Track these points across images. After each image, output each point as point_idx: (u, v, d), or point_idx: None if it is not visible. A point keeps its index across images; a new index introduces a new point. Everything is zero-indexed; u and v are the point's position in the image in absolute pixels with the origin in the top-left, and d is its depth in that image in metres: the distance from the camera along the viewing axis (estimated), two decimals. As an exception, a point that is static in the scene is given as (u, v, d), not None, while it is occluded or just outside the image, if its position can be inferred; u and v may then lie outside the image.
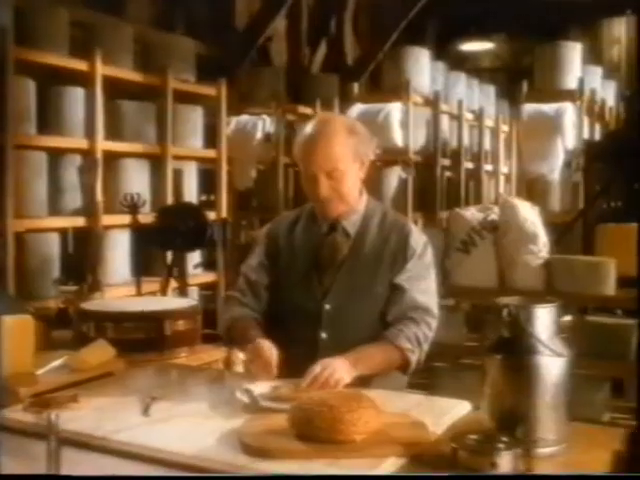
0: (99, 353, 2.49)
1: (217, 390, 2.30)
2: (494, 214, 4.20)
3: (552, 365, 1.83)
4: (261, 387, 2.19)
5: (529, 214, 4.11)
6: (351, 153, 2.39)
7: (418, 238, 2.48)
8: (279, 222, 2.65)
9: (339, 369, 2.17)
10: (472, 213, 4.22)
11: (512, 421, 1.83)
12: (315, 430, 1.75)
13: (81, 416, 2.03)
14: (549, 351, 1.83)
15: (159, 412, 2.06)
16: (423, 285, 2.46)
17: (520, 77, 9.56)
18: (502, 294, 4.28)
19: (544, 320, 1.85)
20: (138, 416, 2.03)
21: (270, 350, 2.25)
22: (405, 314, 2.42)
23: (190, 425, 1.97)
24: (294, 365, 2.25)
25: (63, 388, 2.27)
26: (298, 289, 2.48)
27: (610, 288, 3.89)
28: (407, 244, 2.45)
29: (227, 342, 2.68)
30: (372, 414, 1.80)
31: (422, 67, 6.66)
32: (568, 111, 6.21)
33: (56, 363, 2.41)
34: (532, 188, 6.33)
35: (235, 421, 1.95)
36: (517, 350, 1.84)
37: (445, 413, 2.06)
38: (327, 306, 2.42)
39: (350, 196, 2.45)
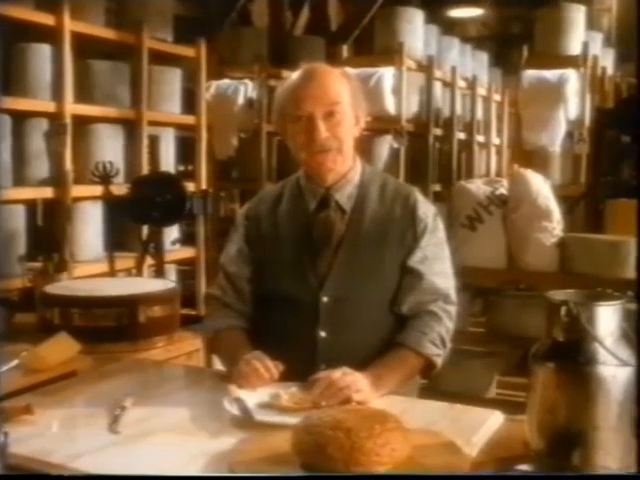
0: (60, 349, 2.13)
1: (201, 396, 1.94)
2: (503, 187, 3.85)
3: (618, 376, 1.48)
4: (255, 394, 1.83)
5: (542, 187, 3.76)
6: (348, 96, 2.06)
7: (427, 209, 2.14)
8: (259, 200, 2.26)
9: (362, 381, 1.81)
10: (478, 186, 3.86)
11: (567, 443, 1.49)
12: (327, 460, 1.39)
13: (35, 434, 1.66)
14: (615, 359, 1.48)
15: (130, 427, 1.70)
16: (440, 266, 2.12)
17: (510, 45, 9.25)
18: (511, 275, 4.05)
19: (610, 321, 1.50)
20: (104, 433, 1.67)
21: (262, 362, 1.91)
22: (424, 305, 2.07)
23: (168, 446, 1.61)
24: (289, 372, 1.91)
25: (17, 394, 1.90)
26: (288, 279, 2.09)
27: (631, 270, 3.54)
28: (415, 217, 2.09)
29: (211, 353, 2.32)
30: (399, 439, 1.43)
31: (416, 29, 6.27)
32: (571, 78, 5.86)
33: (10, 364, 2.03)
34: (530, 160, 5.98)
35: (224, 440, 1.60)
36: (576, 357, 1.49)
37: (477, 427, 1.71)
38: (325, 298, 2.04)
39: (348, 152, 2.09)
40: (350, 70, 5.36)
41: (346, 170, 2.12)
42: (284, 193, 2.20)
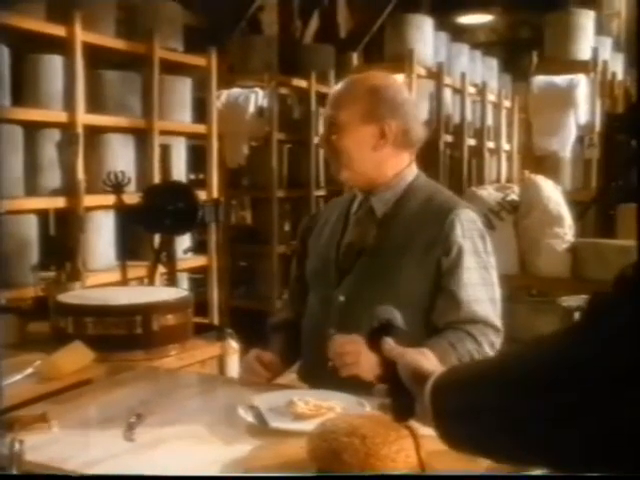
0: (74, 358, 2.13)
1: (215, 403, 1.95)
2: (514, 193, 3.85)
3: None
4: (270, 401, 1.83)
5: (553, 193, 3.76)
6: (362, 110, 2.04)
7: (470, 227, 2.04)
8: (328, 204, 2.43)
9: (366, 355, 1.69)
10: (489, 192, 3.86)
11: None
12: (343, 466, 1.39)
13: (51, 441, 1.66)
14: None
15: (145, 434, 1.70)
16: (483, 292, 2.02)
17: (519, 50, 9.23)
18: (523, 281, 4.04)
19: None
20: (120, 441, 1.67)
21: (255, 362, 2.00)
22: (461, 327, 1.99)
23: (184, 453, 1.61)
24: (312, 368, 2.03)
25: (32, 402, 1.91)
26: (317, 277, 2.17)
27: (645, 276, 3.52)
28: (449, 235, 2.00)
29: None
30: (414, 444, 1.43)
31: (425, 36, 6.27)
32: (581, 83, 5.85)
33: (25, 373, 2.04)
34: (540, 165, 5.97)
35: (239, 447, 1.60)
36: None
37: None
38: (341, 297, 2.06)
39: (353, 159, 2.06)
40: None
41: (385, 179, 2.10)
42: (347, 198, 2.26)
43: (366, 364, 1.73)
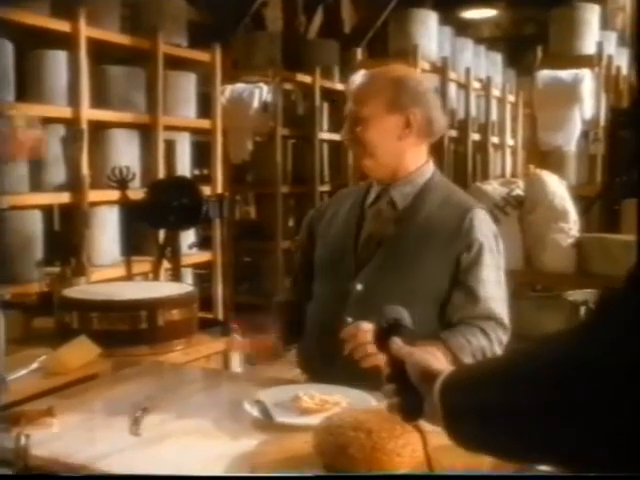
0: (80, 353, 2.14)
1: (221, 398, 1.95)
2: (519, 188, 3.84)
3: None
4: (275, 395, 1.83)
5: (558, 188, 3.75)
6: (386, 100, 2.05)
7: (486, 228, 2.07)
8: (335, 196, 2.40)
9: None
10: (494, 187, 3.85)
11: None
12: (349, 461, 1.39)
13: (56, 436, 1.67)
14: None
15: (151, 429, 1.70)
16: (497, 291, 2.05)
17: (523, 46, 9.20)
18: (528, 276, 4.03)
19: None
20: (126, 435, 1.67)
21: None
22: (475, 323, 2.02)
23: (190, 447, 1.61)
24: (320, 356, 2.04)
25: (37, 397, 1.91)
26: (331, 266, 2.16)
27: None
28: (471, 232, 2.03)
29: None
30: (420, 439, 1.43)
31: (430, 31, 6.26)
32: (586, 78, 5.83)
33: (30, 367, 2.04)
34: (545, 160, 5.95)
35: (245, 442, 1.60)
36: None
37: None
38: (359, 286, 2.07)
39: (378, 150, 2.07)
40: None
41: (406, 172, 2.11)
42: (359, 189, 2.26)
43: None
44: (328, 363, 1.97)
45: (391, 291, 2.03)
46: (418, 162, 2.13)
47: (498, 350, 2.01)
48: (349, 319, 2.01)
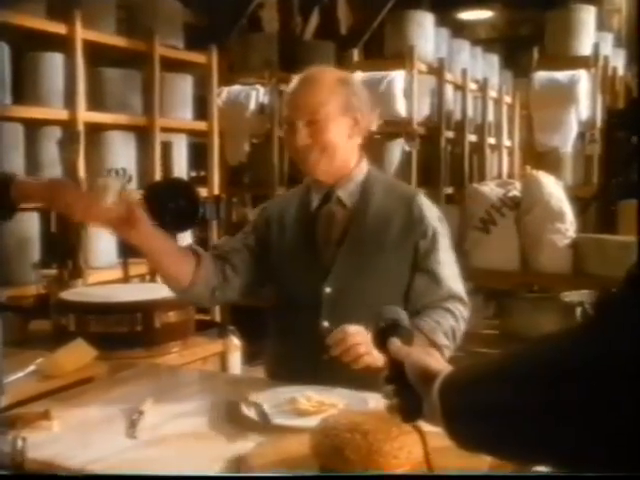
0: (77, 356, 2.13)
1: (217, 400, 1.94)
2: (515, 189, 3.84)
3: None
4: (272, 397, 1.83)
5: (555, 189, 3.75)
6: (338, 103, 2.08)
7: (433, 212, 2.18)
8: (273, 202, 2.41)
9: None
10: (491, 188, 3.86)
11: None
12: (345, 463, 1.39)
13: (53, 439, 1.67)
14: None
15: (147, 431, 1.70)
16: (454, 270, 2.16)
17: (519, 47, 9.20)
18: (524, 277, 4.03)
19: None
20: (122, 438, 1.68)
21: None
22: (440, 302, 2.10)
23: (186, 450, 1.62)
24: (294, 361, 2.02)
25: (34, 400, 1.91)
26: (293, 272, 2.16)
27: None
28: (423, 218, 2.13)
29: None
30: (416, 440, 1.43)
31: (426, 32, 6.26)
32: (582, 79, 5.84)
33: (27, 370, 2.04)
34: (542, 161, 5.96)
35: (241, 444, 1.60)
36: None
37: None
38: (328, 289, 2.09)
39: (336, 150, 2.11)
40: (359, 74, 5.39)
41: (348, 170, 2.17)
42: (296, 194, 2.28)
43: (377, 353, 1.75)
44: (303, 366, 1.98)
45: (360, 289, 2.09)
46: (357, 159, 2.19)
47: (462, 327, 2.11)
48: (325, 323, 2.04)
